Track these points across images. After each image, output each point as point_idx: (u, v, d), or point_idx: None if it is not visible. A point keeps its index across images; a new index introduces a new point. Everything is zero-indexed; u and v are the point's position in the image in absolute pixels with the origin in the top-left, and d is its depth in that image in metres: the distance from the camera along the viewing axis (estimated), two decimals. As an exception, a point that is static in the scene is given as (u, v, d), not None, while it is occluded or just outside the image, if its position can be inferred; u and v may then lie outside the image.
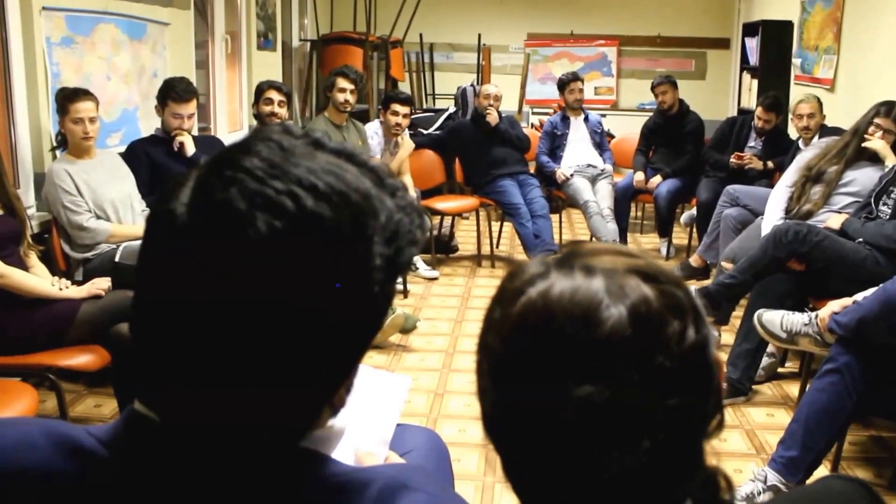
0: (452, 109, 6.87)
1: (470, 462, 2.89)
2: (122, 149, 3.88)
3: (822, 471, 2.66)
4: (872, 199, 3.43)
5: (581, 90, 5.98)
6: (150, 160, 3.79)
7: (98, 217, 3.36)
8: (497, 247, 5.93)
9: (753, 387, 3.47)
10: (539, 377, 0.67)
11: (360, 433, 1.16)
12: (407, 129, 5.38)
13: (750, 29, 6.72)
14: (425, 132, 6.37)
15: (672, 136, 5.87)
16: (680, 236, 6.01)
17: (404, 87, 7.84)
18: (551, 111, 7.13)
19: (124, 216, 3.46)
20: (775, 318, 2.97)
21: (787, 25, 6.24)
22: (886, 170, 3.52)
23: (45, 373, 2.69)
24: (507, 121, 5.73)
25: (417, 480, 0.73)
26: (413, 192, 4.96)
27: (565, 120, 6.02)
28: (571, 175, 5.81)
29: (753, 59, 6.52)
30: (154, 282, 0.68)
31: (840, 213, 3.59)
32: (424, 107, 8.11)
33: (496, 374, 0.72)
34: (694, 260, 4.92)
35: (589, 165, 5.93)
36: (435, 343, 4.12)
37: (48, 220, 3.36)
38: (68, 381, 3.23)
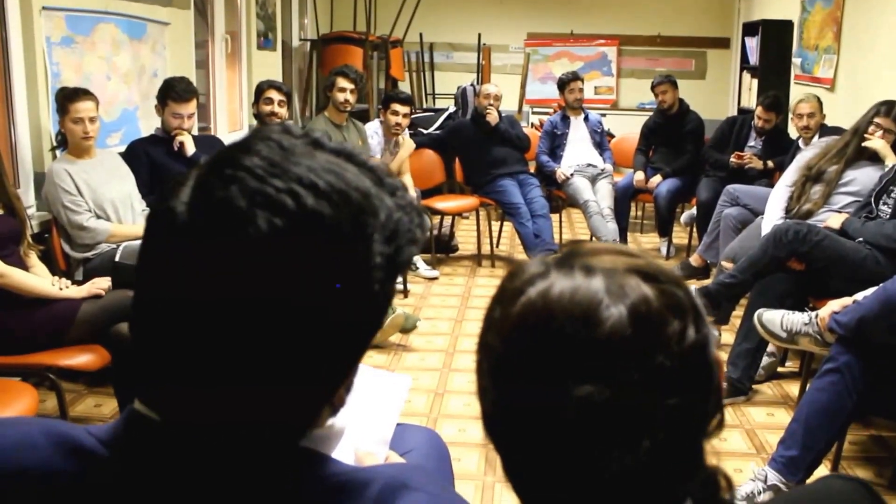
0: (452, 109, 6.87)
1: (470, 461, 2.89)
2: (122, 148, 3.88)
3: (823, 470, 2.66)
4: (872, 199, 3.43)
5: (581, 90, 5.98)
6: (150, 160, 3.79)
7: (98, 217, 3.36)
8: (497, 246, 5.93)
9: (753, 386, 3.47)
10: (539, 377, 0.67)
11: (361, 433, 1.16)
12: (407, 129, 5.38)
13: (750, 28, 6.73)
14: (425, 132, 6.37)
15: (672, 135, 5.87)
16: (680, 236, 6.01)
17: (404, 86, 7.84)
18: (551, 111, 7.13)
19: (124, 216, 3.46)
20: (775, 318, 2.97)
21: (787, 25, 6.25)
22: (886, 169, 3.52)
23: (46, 372, 2.69)
24: (507, 120, 5.73)
25: (418, 480, 0.72)
26: (413, 192, 4.97)
27: (565, 119, 6.02)
28: (571, 175, 5.81)
29: (753, 59, 6.52)
30: (154, 281, 0.68)
31: (840, 212, 3.58)
32: (424, 106, 8.11)
33: (496, 373, 0.72)
34: (694, 259, 4.92)
35: (589, 165, 5.93)
36: (435, 343, 4.12)
37: (48, 219, 3.36)
38: (68, 381, 3.23)
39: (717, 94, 8.36)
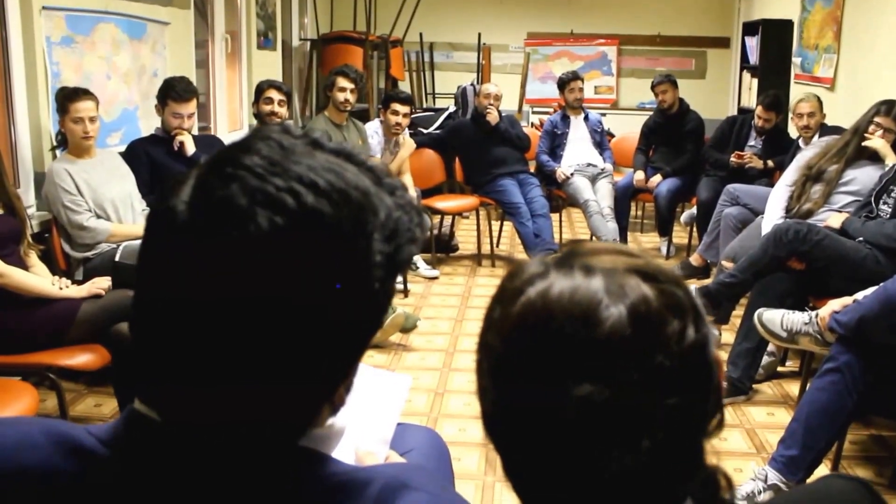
0: (452, 109, 6.87)
1: (470, 461, 2.89)
2: (122, 148, 3.88)
3: (823, 470, 2.66)
4: (873, 198, 3.43)
5: (581, 89, 5.98)
6: (150, 160, 3.79)
7: (98, 216, 3.36)
8: (497, 246, 5.93)
9: (754, 386, 3.47)
10: (539, 376, 0.67)
11: (361, 432, 1.16)
12: (407, 129, 5.38)
13: (750, 28, 6.73)
14: (425, 131, 6.36)
15: (672, 135, 5.87)
16: (680, 235, 6.01)
17: (404, 86, 7.84)
18: (551, 110, 7.13)
19: (124, 216, 3.46)
20: (776, 317, 2.97)
21: (788, 24, 6.25)
22: (886, 169, 3.52)
23: (46, 372, 2.69)
24: (508, 120, 5.73)
25: (418, 480, 0.72)
26: (413, 192, 4.97)
27: (565, 119, 6.02)
28: (571, 174, 5.81)
29: (753, 58, 6.52)
30: (154, 280, 0.68)
31: (840, 212, 3.58)
32: (424, 106, 8.11)
33: (496, 373, 0.72)
34: (694, 259, 4.92)
35: (589, 164, 5.93)
36: (435, 342, 4.12)
37: (48, 219, 3.36)
38: (68, 381, 3.23)
39: (717, 94, 8.36)
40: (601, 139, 6.10)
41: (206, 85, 5.61)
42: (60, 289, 2.86)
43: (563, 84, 5.98)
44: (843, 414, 2.54)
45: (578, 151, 5.96)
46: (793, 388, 3.53)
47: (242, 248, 0.63)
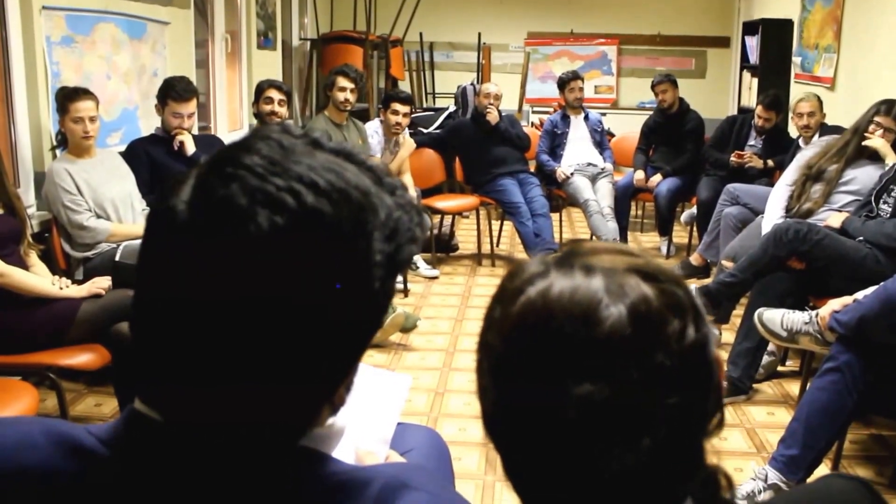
0: (452, 108, 6.87)
1: (471, 461, 2.89)
2: (122, 148, 3.88)
3: (823, 469, 2.66)
4: (873, 198, 3.43)
5: (581, 89, 5.98)
6: (150, 159, 3.79)
7: (98, 216, 3.36)
8: (497, 246, 5.93)
9: (754, 385, 3.47)
10: (539, 376, 0.67)
11: (361, 432, 1.16)
12: (407, 129, 5.38)
13: (750, 27, 6.73)
14: (425, 131, 6.36)
15: (672, 134, 5.87)
16: (680, 235, 6.01)
17: (404, 86, 7.84)
18: (551, 110, 7.13)
19: (124, 215, 3.46)
20: (776, 317, 2.97)
21: (788, 24, 6.25)
22: (887, 168, 3.52)
23: (46, 372, 2.69)
24: (508, 120, 5.73)
25: (418, 479, 0.72)
26: (413, 192, 4.97)
27: (565, 119, 6.02)
28: (571, 174, 5.81)
29: (753, 58, 6.52)
30: (154, 280, 0.68)
31: (840, 211, 3.58)
32: (424, 106, 8.11)
33: (496, 372, 0.72)
34: (694, 258, 4.93)
35: (589, 164, 5.93)
36: (435, 342, 4.12)
37: (48, 219, 3.36)
38: (69, 380, 3.23)
39: (718, 94, 8.35)
40: (601, 139, 6.10)
41: (206, 85, 5.61)
42: (60, 288, 2.86)
43: (563, 84, 5.98)
44: (843, 413, 2.54)
45: (578, 151, 5.96)
46: (793, 387, 3.53)
47: (242, 248, 0.63)
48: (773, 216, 3.80)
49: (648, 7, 8.62)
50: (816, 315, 2.85)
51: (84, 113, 3.29)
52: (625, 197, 5.86)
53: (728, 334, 3.81)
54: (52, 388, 2.74)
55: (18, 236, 2.90)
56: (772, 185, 4.27)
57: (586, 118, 6.06)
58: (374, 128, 5.28)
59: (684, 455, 0.70)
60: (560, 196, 6.00)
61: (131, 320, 0.70)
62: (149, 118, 4.30)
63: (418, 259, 5.29)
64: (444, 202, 5.60)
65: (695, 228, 5.46)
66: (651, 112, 6.21)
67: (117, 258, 3.19)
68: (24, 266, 2.88)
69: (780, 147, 5.07)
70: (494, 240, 5.84)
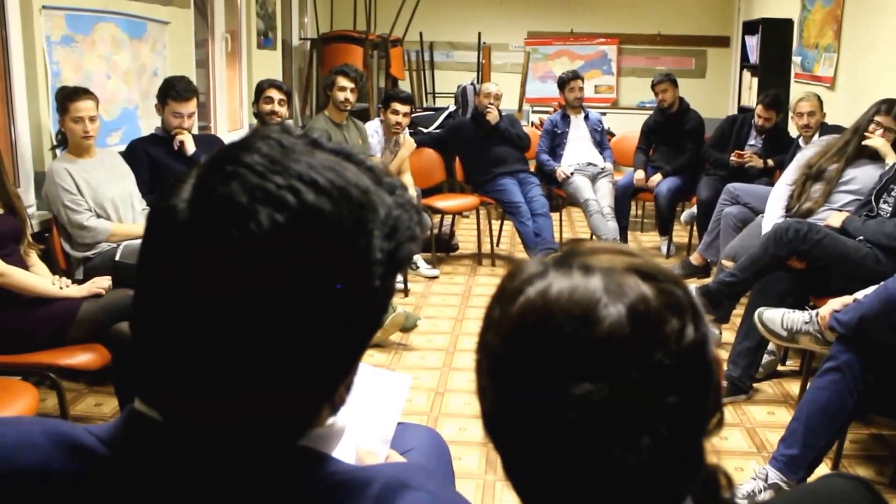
0: (452, 108, 6.87)
1: (471, 460, 2.89)
2: (123, 148, 3.88)
3: (823, 469, 2.66)
4: (873, 197, 3.43)
5: (581, 88, 5.98)
6: (150, 159, 3.79)
7: (98, 216, 3.36)
8: (497, 245, 5.93)
9: (754, 385, 3.47)
10: (538, 376, 0.67)
11: (361, 432, 1.16)
12: (407, 128, 5.38)
13: (750, 27, 6.72)
14: (425, 131, 6.36)
15: (672, 134, 5.87)
16: (680, 234, 6.01)
17: (404, 85, 7.84)
18: (551, 109, 7.13)
19: (124, 215, 3.46)
20: (776, 317, 2.97)
21: (788, 23, 6.24)
22: (887, 168, 3.52)
23: (46, 371, 2.69)
24: (508, 119, 5.73)
25: (418, 479, 0.72)
26: (413, 191, 4.98)
27: (565, 118, 6.02)
28: (572, 173, 5.81)
29: (753, 58, 6.52)
30: (155, 279, 0.68)
31: (840, 211, 3.58)
32: (424, 105, 8.11)
33: (496, 372, 0.72)
34: (694, 258, 4.93)
35: (589, 164, 5.93)
36: (435, 341, 4.12)
37: (48, 218, 3.36)
38: (69, 380, 3.23)
39: (718, 93, 8.35)
40: (601, 138, 6.10)
41: (206, 84, 5.61)
42: (61, 288, 2.86)
43: (563, 83, 5.97)
44: (843, 413, 2.54)
45: (578, 151, 5.96)
46: (793, 387, 3.53)
47: (243, 247, 0.63)
48: (773, 216, 3.80)
49: (648, 7, 8.62)
50: (816, 314, 2.85)
51: (84, 112, 3.29)
52: (625, 196, 5.85)
53: (728, 334, 3.82)
54: (53, 387, 2.75)
55: (18, 236, 2.90)
56: (772, 184, 4.27)
57: (586, 118, 6.06)
58: (374, 127, 5.28)
59: (684, 455, 0.70)
60: (560, 196, 6.00)
61: (131, 320, 0.70)
62: (149, 118, 4.30)
63: (418, 259, 5.29)
64: (444, 202, 5.60)
65: (695, 228, 5.46)
66: (651, 112, 6.20)
67: (117, 258, 3.19)
68: (25, 266, 2.88)
69: (780, 147, 5.07)
70: (494, 239, 5.84)
